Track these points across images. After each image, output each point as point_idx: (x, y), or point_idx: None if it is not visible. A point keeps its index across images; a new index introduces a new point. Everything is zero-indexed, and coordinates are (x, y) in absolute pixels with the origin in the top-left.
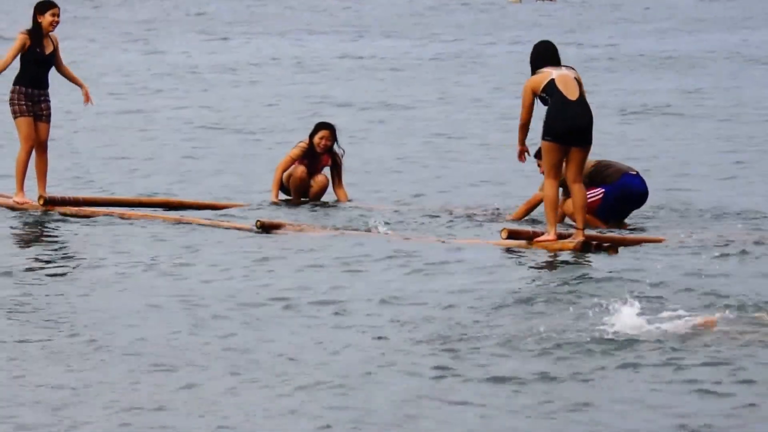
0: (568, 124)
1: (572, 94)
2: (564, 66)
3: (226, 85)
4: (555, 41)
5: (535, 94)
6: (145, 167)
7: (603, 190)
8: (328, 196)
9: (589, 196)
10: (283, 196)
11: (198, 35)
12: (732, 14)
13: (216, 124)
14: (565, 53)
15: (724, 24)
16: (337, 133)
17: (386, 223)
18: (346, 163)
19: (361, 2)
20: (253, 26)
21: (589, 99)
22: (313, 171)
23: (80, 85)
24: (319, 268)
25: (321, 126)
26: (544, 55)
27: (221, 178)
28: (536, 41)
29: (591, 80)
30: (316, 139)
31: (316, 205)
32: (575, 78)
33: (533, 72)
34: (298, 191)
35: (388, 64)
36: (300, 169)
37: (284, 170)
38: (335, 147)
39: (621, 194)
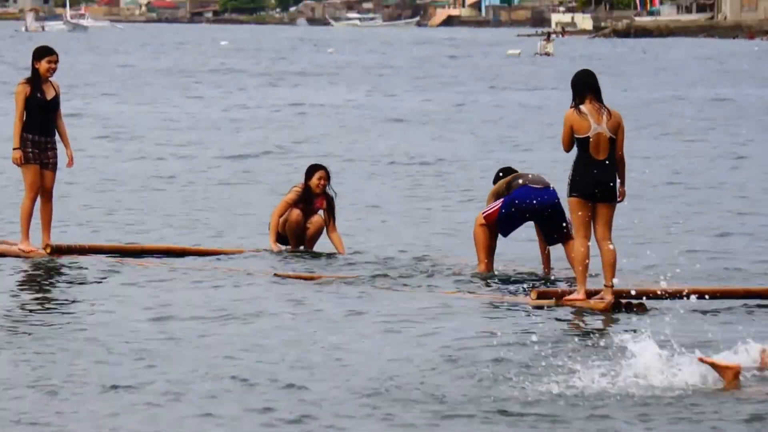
0: (593, 180)
1: (601, 155)
2: (606, 110)
3: (229, 134)
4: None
5: (573, 132)
6: (151, 216)
7: (501, 200)
8: (326, 244)
9: (490, 208)
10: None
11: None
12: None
13: (224, 172)
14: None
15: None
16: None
17: None
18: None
19: (346, 53)
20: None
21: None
22: (309, 214)
23: (66, 146)
24: (333, 320)
25: (316, 167)
26: (585, 82)
27: (228, 227)
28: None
29: None
30: (314, 180)
31: (321, 256)
32: (609, 138)
33: (575, 97)
34: (295, 235)
35: (382, 116)
36: (295, 213)
37: (280, 215)
38: (328, 188)
39: (516, 205)
